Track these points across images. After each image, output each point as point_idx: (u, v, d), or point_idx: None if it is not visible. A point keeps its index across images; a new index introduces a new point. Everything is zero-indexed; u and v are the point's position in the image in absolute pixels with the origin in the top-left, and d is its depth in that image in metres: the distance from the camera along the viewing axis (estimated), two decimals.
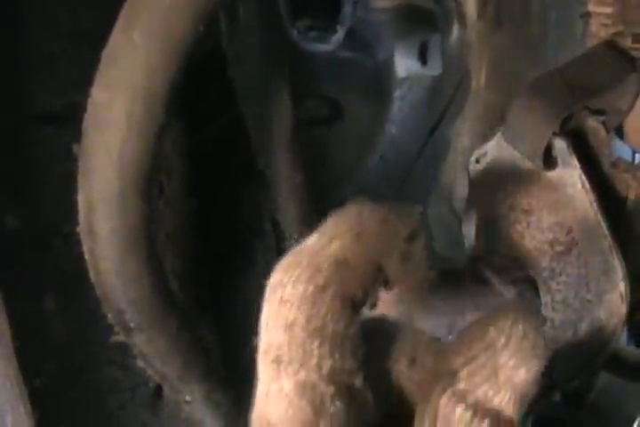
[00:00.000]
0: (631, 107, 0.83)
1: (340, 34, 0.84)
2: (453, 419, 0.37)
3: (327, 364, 0.37)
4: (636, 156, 1.10)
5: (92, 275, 0.66)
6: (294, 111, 0.81)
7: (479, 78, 0.94)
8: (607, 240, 0.80)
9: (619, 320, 0.81)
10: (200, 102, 0.78)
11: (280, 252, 0.83)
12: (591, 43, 0.88)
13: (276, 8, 0.81)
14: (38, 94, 0.73)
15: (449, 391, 0.38)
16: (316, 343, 0.37)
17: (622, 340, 0.94)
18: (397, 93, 0.91)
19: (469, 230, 0.88)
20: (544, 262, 0.85)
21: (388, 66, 0.89)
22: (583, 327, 0.82)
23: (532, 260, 0.85)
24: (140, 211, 0.63)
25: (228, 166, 0.84)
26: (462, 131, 0.96)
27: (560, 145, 0.81)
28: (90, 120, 0.61)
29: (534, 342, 0.38)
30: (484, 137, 0.92)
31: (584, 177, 0.81)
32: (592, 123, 0.84)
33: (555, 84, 0.83)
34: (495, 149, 0.89)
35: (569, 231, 0.83)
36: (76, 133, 0.62)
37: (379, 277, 0.40)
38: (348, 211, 0.41)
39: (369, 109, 0.92)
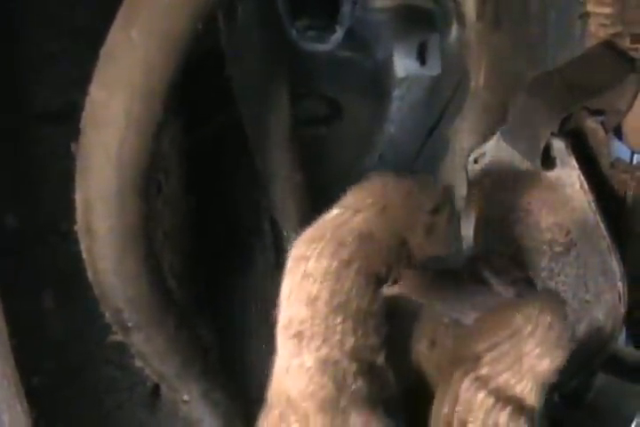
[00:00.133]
0: (630, 107, 0.83)
1: (338, 34, 0.83)
2: (475, 404, 0.37)
3: (350, 340, 0.37)
4: (635, 156, 1.10)
5: (89, 273, 0.66)
6: (293, 111, 0.81)
7: (478, 78, 0.94)
8: (605, 241, 0.80)
9: (617, 320, 0.81)
10: (198, 101, 0.78)
11: (278, 251, 0.83)
12: (590, 43, 0.88)
13: (275, 7, 0.81)
14: (38, 93, 0.73)
15: (471, 376, 0.38)
16: (339, 319, 0.37)
17: (621, 340, 0.94)
18: (396, 93, 0.91)
19: (468, 230, 0.88)
20: (543, 263, 0.85)
21: (387, 66, 0.89)
22: (582, 328, 0.82)
23: (530, 260, 0.85)
24: (138, 209, 0.62)
25: (227, 165, 0.84)
26: (461, 131, 0.96)
27: (559, 145, 0.81)
28: (88, 118, 0.61)
29: (560, 333, 0.38)
30: (483, 137, 0.92)
31: (582, 177, 0.81)
32: (591, 123, 0.84)
33: (554, 84, 0.83)
34: (494, 149, 0.89)
35: (568, 232, 0.83)
36: (76, 132, 0.62)
37: (402, 252, 0.39)
38: (371, 183, 0.40)
39: (368, 109, 0.92)
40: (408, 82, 0.91)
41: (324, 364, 0.36)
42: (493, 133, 0.89)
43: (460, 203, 0.88)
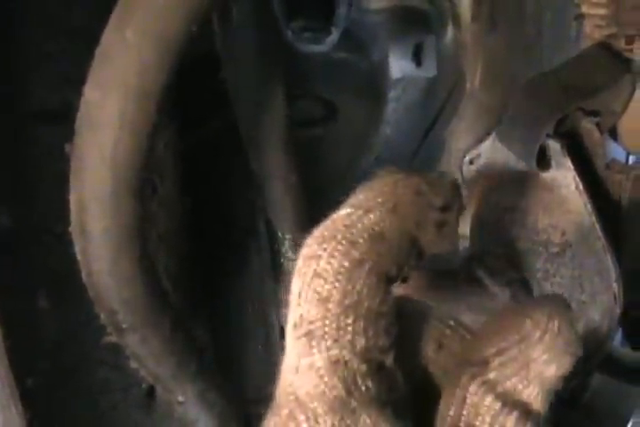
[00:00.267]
0: (625, 108, 0.83)
1: (334, 35, 0.83)
2: (482, 407, 0.37)
3: (361, 341, 0.36)
4: (630, 157, 1.10)
5: (84, 275, 0.65)
6: (288, 112, 0.81)
7: (474, 79, 0.94)
8: (601, 241, 0.80)
9: (613, 321, 0.81)
10: (194, 103, 0.78)
11: (274, 252, 0.83)
12: (585, 44, 0.88)
13: (270, 9, 0.81)
14: (34, 93, 0.72)
15: (478, 380, 0.38)
16: (350, 319, 0.36)
17: (617, 341, 0.94)
18: (392, 94, 0.91)
19: (464, 231, 0.89)
20: (538, 264, 0.85)
21: (383, 67, 0.89)
22: (577, 329, 0.82)
23: (526, 261, 0.86)
24: (132, 210, 0.62)
25: (222, 166, 0.84)
26: (457, 132, 0.96)
27: (554, 146, 0.81)
28: (82, 119, 0.61)
29: (568, 339, 0.37)
30: (479, 138, 0.92)
31: (578, 178, 0.81)
32: (586, 124, 0.84)
33: (549, 85, 0.84)
34: (489, 150, 0.89)
35: (563, 233, 0.83)
36: (72, 132, 0.62)
37: (412, 251, 0.39)
38: (381, 181, 0.40)
39: (363, 110, 0.92)
40: (404, 83, 0.91)
41: (335, 364, 0.36)
42: (489, 134, 0.90)
43: None
